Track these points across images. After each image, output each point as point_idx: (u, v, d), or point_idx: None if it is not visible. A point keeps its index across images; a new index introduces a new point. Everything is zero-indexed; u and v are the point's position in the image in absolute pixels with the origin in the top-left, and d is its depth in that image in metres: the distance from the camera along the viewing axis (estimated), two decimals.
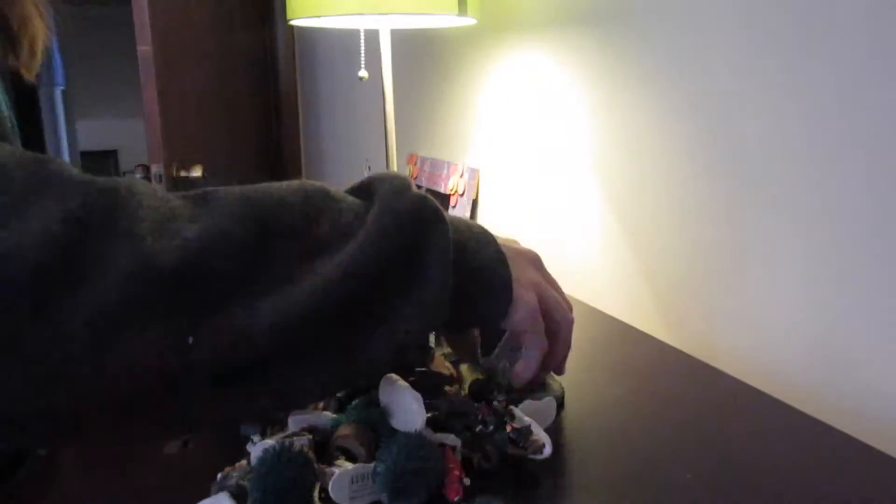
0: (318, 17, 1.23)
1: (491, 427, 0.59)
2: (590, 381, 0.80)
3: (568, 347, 0.60)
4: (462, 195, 1.54)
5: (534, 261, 0.59)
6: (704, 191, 0.95)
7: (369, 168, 2.28)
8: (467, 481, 0.54)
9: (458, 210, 1.52)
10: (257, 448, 0.53)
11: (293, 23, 1.30)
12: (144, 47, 2.01)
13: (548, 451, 0.59)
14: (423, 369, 0.61)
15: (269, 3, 2.82)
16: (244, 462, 0.54)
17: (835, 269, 0.79)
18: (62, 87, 3.62)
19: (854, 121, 0.75)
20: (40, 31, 0.60)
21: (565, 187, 1.26)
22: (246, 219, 0.38)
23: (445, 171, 1.63)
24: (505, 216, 1.43)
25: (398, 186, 0.45)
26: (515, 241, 0.60)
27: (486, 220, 1.44)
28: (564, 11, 1.22)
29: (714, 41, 0.92)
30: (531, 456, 0.59)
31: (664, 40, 1.00)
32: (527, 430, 0.59)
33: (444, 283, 0.45)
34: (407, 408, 0.53)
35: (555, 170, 1.29)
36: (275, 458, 0.50)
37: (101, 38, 3.87)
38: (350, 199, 0.45)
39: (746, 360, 0.89)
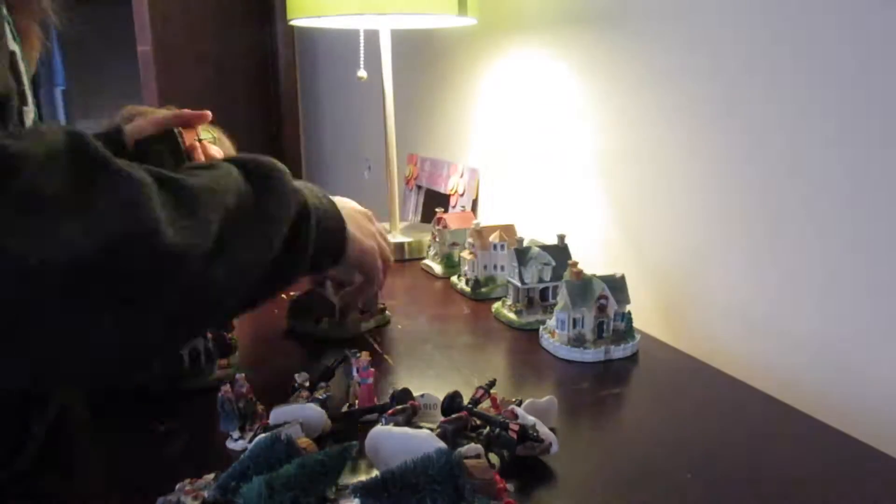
0: (318, 17, 1.23)
1: (497, 430, 0.59)
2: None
3: (379, 280, 0.83)
4: (462, 195, 1.54)
5: (368, 217, 0.84)
6: (705, 191, 0.95)
7: (369, 168, 2.28)
8: (511, 487, 0.54)
9: (457, 210, 1.52)
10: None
11: (293, 23, 1.30)
12: (144, 47, 2.01)
13: (555, 449, 0.59)
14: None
15: (269, 3, 2.81)
16: (209, 476, 0.55)
17: (835, 270, 0.79)
18: (62, 87, 3.62)
19: (857, 120, 0.75)
20: (39, 45, 0.65)
21: (565, 187, 1.26)
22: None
23: (445, 171, 1.63)
24: (505, 216, 1.43)
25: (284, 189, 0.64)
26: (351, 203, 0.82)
27: (486, 220, 1.44)
28: (564, 11, 1.22)
29: (715, 40, 0.92)
30: (538, 455, 0.60)
31: (665, 40, 1.00)
32: (533, 430, 0.59)
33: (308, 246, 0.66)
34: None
35: (555, 170, 1.29)
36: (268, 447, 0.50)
37: (101, 38, 3.87)
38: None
39: (746, 361, 0.89)
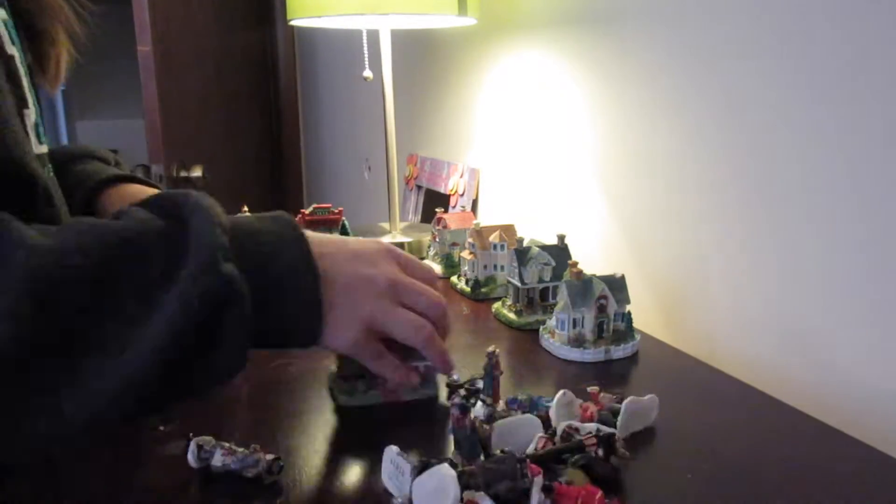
0: (318, 17, 1.23)
1: (576, 456, 0.56)
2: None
3: (438, 350, 0.63)
4: (462, 195, 1.54)
5: (389, 256, 0.62)
6: (704, 191, 0.95)
7: (369, 168, 2.28)
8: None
9: (457, 210, 1.52)
10: None
11: (293, 23, 1.30)
12: (144, 47, 2.01)
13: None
14: None
15: (269, 3, 2.82)
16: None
17: (835, 270, 0.79)
18: (62, 87, 3.62)
19: (857, 118, 0.75)
20: (66, 52, 0.66)
21: (565, 187, 1.26)
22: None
23: (445, 171, 1.63)
24: (505, 216, 1.43)
25: (209, 259, 0.46)
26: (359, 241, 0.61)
27: (485, 220, 1.44)
28: (564, 11, 1.22)
29: (715, 40, 0.92)
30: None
31: (664, 39, 1.00)
32: (612, 438, 0.57)
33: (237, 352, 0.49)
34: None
35: (555, 170, 1.29)
36: None
37: (101, 38, 3.86)
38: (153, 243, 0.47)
39: (746, 361, 0.89)
